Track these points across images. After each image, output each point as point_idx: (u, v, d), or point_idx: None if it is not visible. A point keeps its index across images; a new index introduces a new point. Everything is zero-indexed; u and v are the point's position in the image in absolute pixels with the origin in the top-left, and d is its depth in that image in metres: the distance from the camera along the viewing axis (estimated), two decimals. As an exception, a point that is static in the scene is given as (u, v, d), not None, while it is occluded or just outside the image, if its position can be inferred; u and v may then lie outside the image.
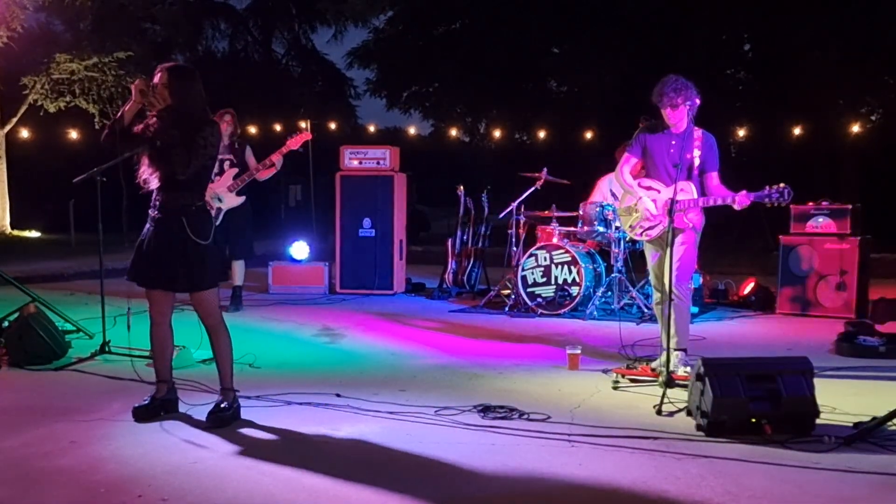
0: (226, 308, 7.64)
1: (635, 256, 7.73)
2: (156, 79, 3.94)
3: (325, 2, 23.78)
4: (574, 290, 7.38)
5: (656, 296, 5.16)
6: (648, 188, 5.06)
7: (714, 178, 4.97)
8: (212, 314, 4.04)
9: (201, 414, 4.03)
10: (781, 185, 4.69)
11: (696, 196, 4.90)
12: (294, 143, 7.09)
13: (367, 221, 9.15)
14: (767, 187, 4.72)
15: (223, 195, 7.14)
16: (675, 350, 4.83)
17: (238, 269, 7.58)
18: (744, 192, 4.76)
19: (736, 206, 4.80)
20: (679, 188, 4.86)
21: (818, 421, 3.79)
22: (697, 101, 4.88)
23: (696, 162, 4.95)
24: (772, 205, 4.74)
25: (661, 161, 4.98)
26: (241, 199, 7.20)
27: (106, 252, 5.58)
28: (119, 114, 4.00)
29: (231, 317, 7.25)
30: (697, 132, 4.98)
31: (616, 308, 7.43)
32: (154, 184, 3.97)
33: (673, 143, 4.95)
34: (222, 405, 4.01)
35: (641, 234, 5.10)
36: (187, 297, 4.06)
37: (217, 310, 4.07)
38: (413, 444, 3.66)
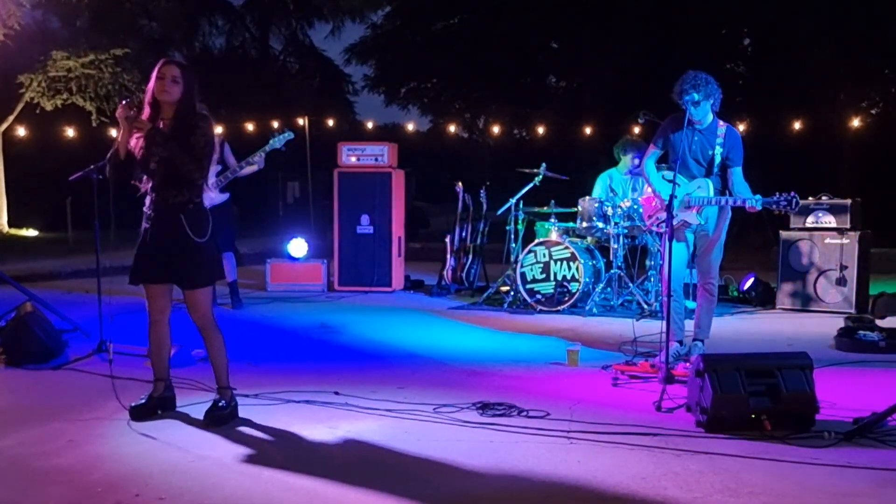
0: (229, 306, 7.64)
1: (635, 252, 7.73)
2: (155, 73, 3.90)
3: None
4: (573, 287, 7.35)
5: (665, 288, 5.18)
6: (670, 181, 5.10)
7: (737, 174, 5.01)
8: (204, 314, 4.02)
9: (199, 413, 4.01)
10: (791, 192, 4.73)
11: (712, 194, 4.93)
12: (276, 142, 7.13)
13: (365, 218, 9.13)
14: (777, 194, 4.77)
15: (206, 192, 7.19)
16: (697, 340, 5.22)
17: (228, 263, 7.58)
18: (758, 196, 4.82)
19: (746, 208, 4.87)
20: (696, 185, 4.89)
21: (818, 416, 3.78)
22: (719, 96, 4.91)
23: (718, 159, 4.97)
24: (779, 212, 4.80)
25: (683, 156, 5.00)
26: (225, 196, 7.25)
27: (103, 250, 5.56)
28: (113, 148, 3.96)
29: (229, 314, 7.26)
30: (722, 128, 4.99)
31: (616, 304, 7.42)
32: (150, 183, 3.95)
33: (695, 138, 4.98)
34: (220, 404, 4.00)
35: (658, 225, 5.16)
36: (182, 296, 4.04)
37: (209, 309, 4.05)
38: (411, 442, 3.65)
